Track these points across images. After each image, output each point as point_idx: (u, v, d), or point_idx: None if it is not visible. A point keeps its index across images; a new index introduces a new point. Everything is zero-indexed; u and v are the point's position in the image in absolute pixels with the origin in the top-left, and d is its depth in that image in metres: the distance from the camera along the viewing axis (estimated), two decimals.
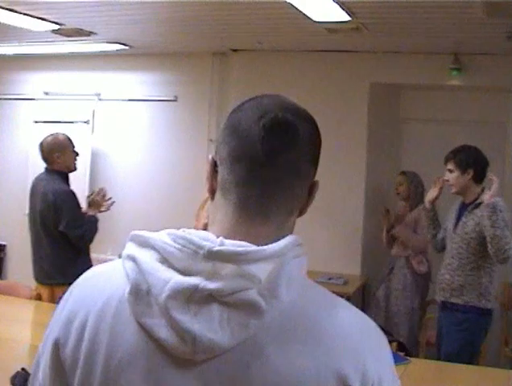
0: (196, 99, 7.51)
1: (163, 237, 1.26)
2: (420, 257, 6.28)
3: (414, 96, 7.22)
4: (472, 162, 4.75)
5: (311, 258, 4.85)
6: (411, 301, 6.26)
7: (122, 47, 7.12)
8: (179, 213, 6.03)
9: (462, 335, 4.65)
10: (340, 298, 1.32)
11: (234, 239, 1.24)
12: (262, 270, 1.19)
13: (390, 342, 4.45)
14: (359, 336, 1.25)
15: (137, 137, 7.84)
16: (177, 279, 1.20)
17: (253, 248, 1.22)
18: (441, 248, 5.07)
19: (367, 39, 6.14)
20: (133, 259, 1.27)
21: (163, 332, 1.20)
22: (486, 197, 4.47)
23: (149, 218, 7.24)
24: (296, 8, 5.00)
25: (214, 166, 1.35)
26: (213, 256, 1.20)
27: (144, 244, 1.28)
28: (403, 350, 4.46)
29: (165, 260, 1.23)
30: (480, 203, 4.60)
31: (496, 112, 7.02)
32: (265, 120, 1.27)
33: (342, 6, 4.97)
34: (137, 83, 7.83)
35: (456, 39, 6.10)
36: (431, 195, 5.03)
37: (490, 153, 6.87)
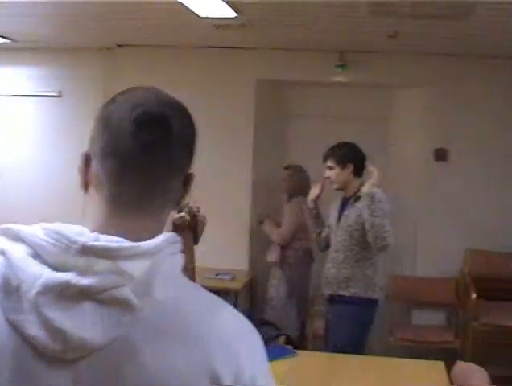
0: (82, 95, 7.37)
1: (35, 231, 1.23)
2: (276, 246, 6.49)
3: (300, 93, 7.31)
4: (351, 157, 4.85)
5: (198, 254, 4.86)
6: (284, 293, 6.40)
7: (5, 40, 6.91)
8: (65, 210, 5.90)
9: (350, 327, 4.72)
10: (217, 297, 1.31)
11: (109, 234, 1.22)
12: (136, 267, 1.18)
13: (278, 336, 4.51)
14: (234, 336, 1.25)
15: (21, 134, 7.63)
16: (48, 275, 1.17)
17: (128, 244, 1.20)
18: (325, 247, 5.14)
19: (253, 35, 6.18)
20: (3, 253, 1.22)
21: (33, 329, 1.16)
22: (366, 187, 4.58)
23: (34, 216, 7.04)
24: (183, 4, 4.98)
25: (86, 160, 1.32)
26: (87, 251, 1.18)
27: (16, 238, 1.24)
28: (291, 343, 4.52)
29: (37, 255, 1.20)
30: (360, 197, 4.71)
31: (378, 108, 7.20)
32: (137, 113, 1.25)
33: (229, 2, 4.99)
34: (21, 78, 7.61)
35: (342, 37, 6.23)
36: (313, 193, 5.10)
37: (373, 149, 7.06)
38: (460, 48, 6.50)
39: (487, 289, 6.49)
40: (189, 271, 5.44)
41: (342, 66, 6.72)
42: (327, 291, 4.91)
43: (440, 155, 6.84)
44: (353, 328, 4.74)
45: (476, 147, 6.87)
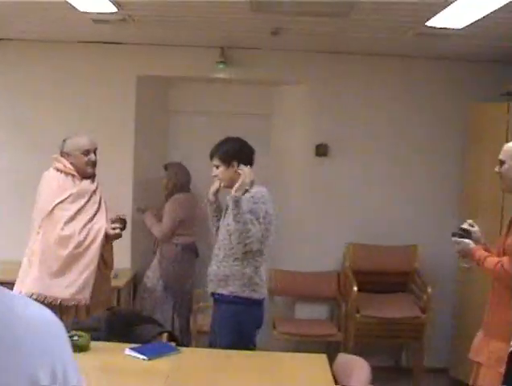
0: None
1: None
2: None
3: (183, 89, 7.28)
4: (236, 154, 4.78)
5: None
6: (160, 287, 6.41)
7: None
8: None
9: (232, 325, 4.67)
10: (21, 296, 1.29)
11: None
12: None
13: (161, 333, 4.47)
14: (46, 335, 1.23)
15: None
16: None
17: None
18: None
19: (134, 31, 6.09)
20: None
21: None
22: (233, 190, 4.53)
23: None
24: None
25: None
26: None
27: None
28: (174, 340, 4.49)
29: None
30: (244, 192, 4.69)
31: (261, 104, 7.26)
32: None
33: None
34: None
35: (223, 33, 6.23)
36: (213, 187, 5.02)
37: (256, 145, 7.11)
38: (341, 45, 6.63)
39: (368, 282, 6.65)
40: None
41: (223, 62, 6.72)
42: (210, 289, 4.87)
43: (321, 151, 6.96)
44: (235, 327, 4.70)
45: (357, 143, 7.02)
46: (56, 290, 4.88)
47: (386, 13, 5.15)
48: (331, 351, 6.60)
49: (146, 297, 6.48)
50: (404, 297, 6.86)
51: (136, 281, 6.92)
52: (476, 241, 4.10)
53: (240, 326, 4.72)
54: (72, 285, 4.90)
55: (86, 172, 5.10)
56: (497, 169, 4.10)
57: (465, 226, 4.16)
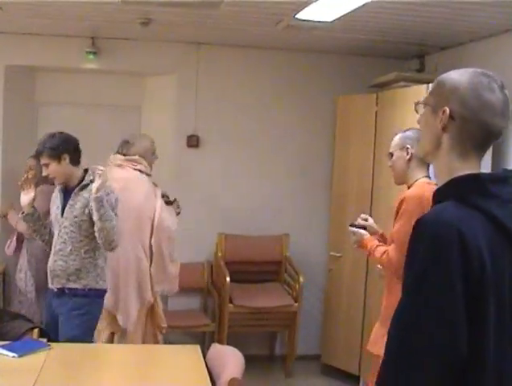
0: None
1: None
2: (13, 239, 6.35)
3: (51, 79, 7.10)
4: (64, 148, 4.62)
5: None
6: (33, 286, 6.22)
7: None
8: None
9: (84, 319, 4.57)
10: None
11: None
12: None
13: (32, 329, 4.35)
14: None
15: None
16: None
17: None
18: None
19: (2, 19, 5.90)
20: None
21: None
22: (93, 190, 4.43)
23: None
24: None
25: None
26: None
27: None
28: (45, 336, 4.37)
29: None
30: (86, 185, 4.61)
31: (132, 95, 7.18)
32: None
33: None
34: None
35: (93, 23, 6.12)
36: (27, 197, 4.82)
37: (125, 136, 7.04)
38: (212, 37, 6.63)
39: (240, 273, 6.71)
40: None
41: (94, 53, 6.61)
42: (56, 285, 4.68)
43: (193, 142, 6.95)
44: (88, 320, 4.61)
45: (228, 134, 7.06)
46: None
47: (255, 5, 5.19)
48: (205, 341, 6.64)
49: (24, 301, 6.23)
50: (276, 286, 6.96)
51: (6, 278, 6.71)
52: (374, 234, 4.16)
53: (93, 318, 4.65)
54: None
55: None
56: (389, 163, 4.15)
57: (359, 221, 4.23)
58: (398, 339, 1.77)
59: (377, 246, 4.01)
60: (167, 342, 5.78)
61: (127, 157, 5.43)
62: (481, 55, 6.00)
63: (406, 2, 4.93)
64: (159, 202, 5.46)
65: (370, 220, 4.23)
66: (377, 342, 3.85)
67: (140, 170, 5.43)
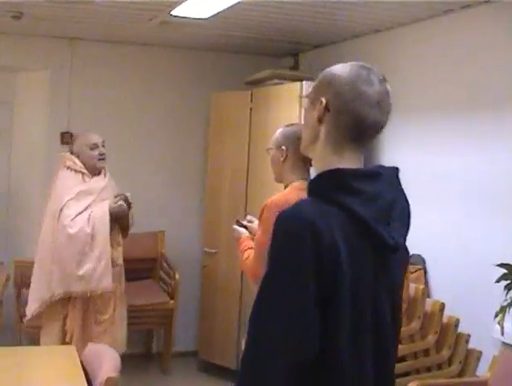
0: None
1: None
2: None
3: None
4: None
5: None
6: None
7: None
8: None
9: None
10: None
11: None
12: None
13: None
14: None
15: None
16: None
17: None
18: None
19: None
20: None
21: None
22: None
23: None
24: None
25: None
26: None
27: None
28: None
29: None
30: None
31: (2, 91, 6.98)
32: None
33: None
34: None
35: None
36: None
37: None
38: (84, 31, 6.52)
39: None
40: (119, 267, 5.45)
41: None
42: None
43: (66, 139, 6.82)
44: None
45: (102, 132, 6.93)
46: (78, 285, 5.09)
47: (129, 1, 5.14)
48: None
49: None
50: (152, 283, 6.93)
51: None
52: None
53: None
54: (93, 276, 5.10)
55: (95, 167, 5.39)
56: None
57: (244, 222, 4.22)
58: (251, 337, 1.72)
59: (248, 248, 4.01)
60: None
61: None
62: (353, 54, 6.16)
63: (278, 1, 5.01)
64: (66, 198, 5.22)
65: (255, 223, 4.21)
66: None
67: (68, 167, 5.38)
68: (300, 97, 1.71)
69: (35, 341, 5.64)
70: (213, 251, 6.67)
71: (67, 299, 5.18)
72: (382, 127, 1.89)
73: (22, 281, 6.48)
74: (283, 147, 3.87)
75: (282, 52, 7.03)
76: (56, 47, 6.77)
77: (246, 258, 3.91)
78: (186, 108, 7.18)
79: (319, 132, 1.89)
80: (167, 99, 7.14)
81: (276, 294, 1.69)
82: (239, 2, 4.95)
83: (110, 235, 5.21)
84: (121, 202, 5.31)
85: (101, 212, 5.21)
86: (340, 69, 1.88)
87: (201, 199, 7.09)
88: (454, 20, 5.04)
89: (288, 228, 1.72)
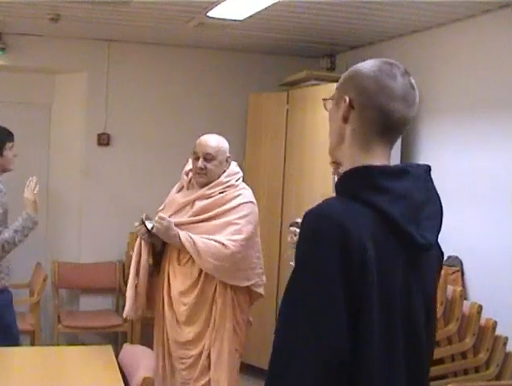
0: None
1: None
2: None
3: None
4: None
5: None
6: None
7: None
8: None
9: None
10: None
11: None
12: None
13: None
14: None
15: None
16: None
17: None
18: None
19: None
20: None
21: None
22: None
23: None
24: None
25: None
26: None
27: None
28: None
29: None
30: None
31: (40, 93, 7.05)
32: None
33: None
34: None
35: (1, 18, 5.97)
36: None
37: (34, 135, 6.94)
38: (123, 34, 6.56)
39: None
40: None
41: (2, 49, 6.45)
42: None
43: (103, 140, 6.87)
44: None
45: (140, 133, 7.01)
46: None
47: (167, 2, 5.17)
48: (117, 341, 6.58)
49: None
50: None
51: None
52: None
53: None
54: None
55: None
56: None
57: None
58: (278, 339, 1.67)
59: None
60: (79, 342, 5.72)
61: None
62: (390, 55, 6.10)
63: (315, 2, 5.00)
64: None
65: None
66: None
67: None
68: (324, 100, 1.66)
69: (72, 341, 5.70)
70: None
71: None
72: (409, 121, 1.84)
73: (60, 282, 6.57)
74: None
75: (319, 53, 7.00)
76: (94, 49, 6.82)
77: None
78: (223, 110, 7.18)
79: (344, 132, 1.84)
80: (203, 101, 7.15)
81: (305, 295, 1.65)
82: (275, 4, 4.95)
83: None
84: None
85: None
86: (362, 65, 1.85)
87: None
88: (492, 20, 4.99)
89: (317, 228, 1.68)
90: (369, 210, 1.71)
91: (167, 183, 7.01)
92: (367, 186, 1.74)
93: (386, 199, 1.72)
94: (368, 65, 1.83)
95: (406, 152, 5.61)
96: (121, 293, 6.92)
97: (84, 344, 5.53)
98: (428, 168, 1.87)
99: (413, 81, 1.82)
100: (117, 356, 3.95)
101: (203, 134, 6.91)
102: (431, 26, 5.57)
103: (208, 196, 4.11)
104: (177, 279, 4.02)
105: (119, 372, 3.68)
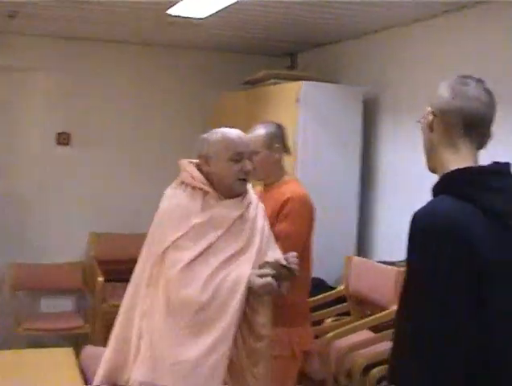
0: None
1: None
2: None
3: None
4: None
5: None
6: None
7: None
8: None
9: None
10: None
11: None
12: None
13: None
14: None
15: None
16: None
17: None
18: None
19: None
20: None
21: None
22: None
23: None
24: None
25: None
26: None
27: None
28: None
29: None
30: None
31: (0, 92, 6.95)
32: None
33: None
34: None
35: None
36: None
37: None
38: (82, 31, 6.49)
39: (113, 272, 6.58)
40: None
41: None
42: None
43: (63, 140, 6.80)
44: None
45: (100, 131, 6.94)
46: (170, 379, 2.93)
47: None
48: (79, 344, 6.50)
49: None
50: None
51: None
52: None
53: None
54: (194, 373, 2.90)
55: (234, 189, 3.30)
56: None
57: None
58: (414, 335, 1.78)
59: None
60: (39, 345, 5.65)
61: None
62: (352, 54, 6.15)
63: (277, 1, 4.98)
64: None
65: None
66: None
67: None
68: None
69: (32, 344, 5.62)
70: None
71: None
72: (488, 120, 1.98)
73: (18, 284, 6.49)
74: (277, 145, 3.79)
75: (280, 52, 7.00)
76: (53, 46, 6.73)
77: None
78: (185, 108, 7.14)
79: (433, 140, 2.01)
80: (165, 99, 7.10)
81: (428, 291, 1.76)
82: (236, 2, 4.92)
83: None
84: (268, 278, 2.97)
85: (239, 273, 3.03)
86: (440, 85, 2.03)
87: None
88: (453, 20, 5.03)
89: (432, 227, 1.79)
90: (475, 207, 1.83)
91: (129, 184, 7.00)
92: (468, 184, 1.87)
93: (491, 196, 1.86)
94: (444, 82, 2.03)
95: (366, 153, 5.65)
96: (82, 294, 6.85)
97: (44, 347, 5.45)
98: (510, 165, 2.00)
99: (487, 86, 1.99)
100: (77, 358, 3.91)
101: (165, 132, 6.85)
102: (394, 26, 5.58)
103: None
104: None
105: (80, 375, 3.64)
